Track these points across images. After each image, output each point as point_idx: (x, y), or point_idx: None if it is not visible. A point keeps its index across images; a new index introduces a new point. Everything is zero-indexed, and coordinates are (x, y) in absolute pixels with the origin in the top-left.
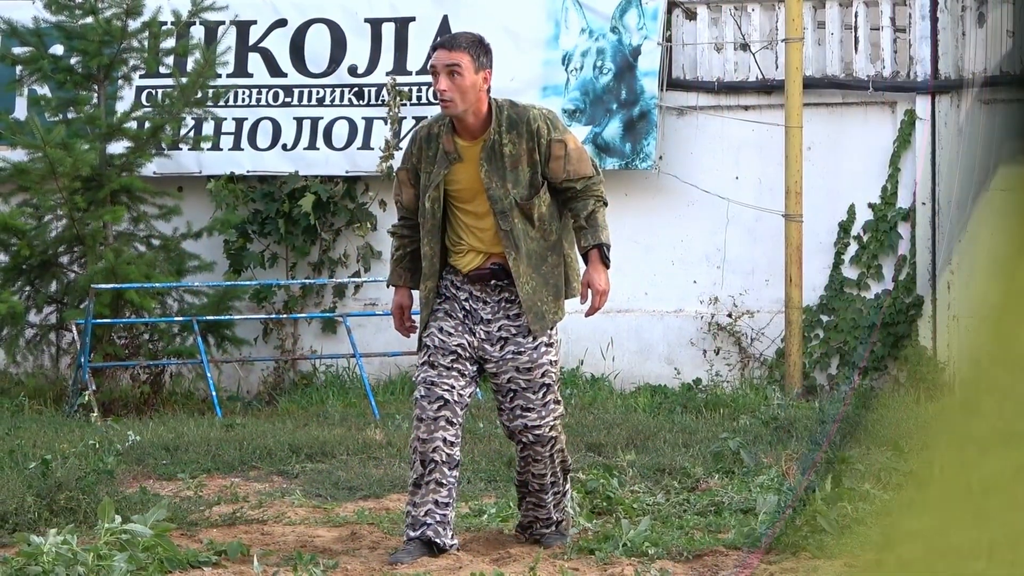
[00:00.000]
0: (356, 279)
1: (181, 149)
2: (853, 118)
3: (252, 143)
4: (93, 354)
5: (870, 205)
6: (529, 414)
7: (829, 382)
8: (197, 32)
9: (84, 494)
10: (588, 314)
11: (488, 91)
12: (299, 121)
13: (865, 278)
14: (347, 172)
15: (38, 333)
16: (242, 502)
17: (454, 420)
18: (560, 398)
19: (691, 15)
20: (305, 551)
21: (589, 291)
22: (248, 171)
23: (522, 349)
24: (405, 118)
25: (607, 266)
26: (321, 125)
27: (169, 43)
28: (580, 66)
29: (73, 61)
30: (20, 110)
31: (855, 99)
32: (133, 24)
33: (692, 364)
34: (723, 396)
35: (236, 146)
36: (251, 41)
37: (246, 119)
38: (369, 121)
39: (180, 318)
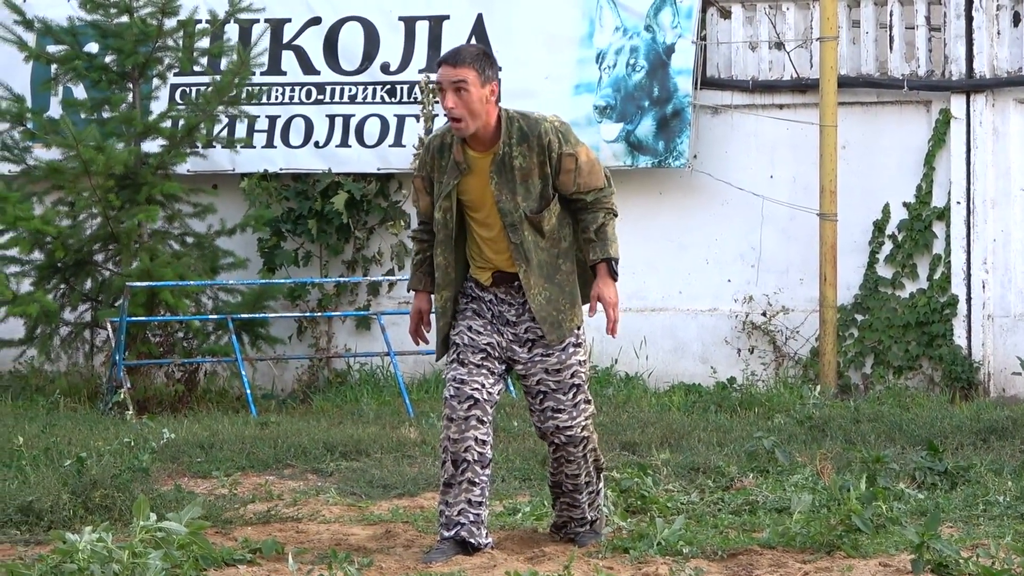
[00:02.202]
0: (390, 277)
1: (215, 147)
2: (888, 117)
3: (285, 141)
4: (128, 352)
5: (905, 204)
6: (560, 415)
7: (864, 381)
8: (231, 30)
9: (119, 492)
10: (610, 330)
11: (497, 102)
12: (331, 119)
13: (900, 277)
14: (379, 169)
15: (73, 331)
16: (277, 500)
17: (484, 419)
18: (591, 398)
19: (726, 14)
20: (340, 549)
21: (599, 304)
22: (281, 169)
23: (550, 351)
24: (437, 115)
25: (615, 279)
26: (353, 122)
27: (204, 42)
28: (613, 64)
29: (108, 60)
30: (55, 109)
31: (890, 98)
32: (168, 23)
33: (726, 363)
34: (757, 395)
35: (269, 144)
36: (285, 39)
37: (279, 117)
38: (401, 119)
39: (215, 316)
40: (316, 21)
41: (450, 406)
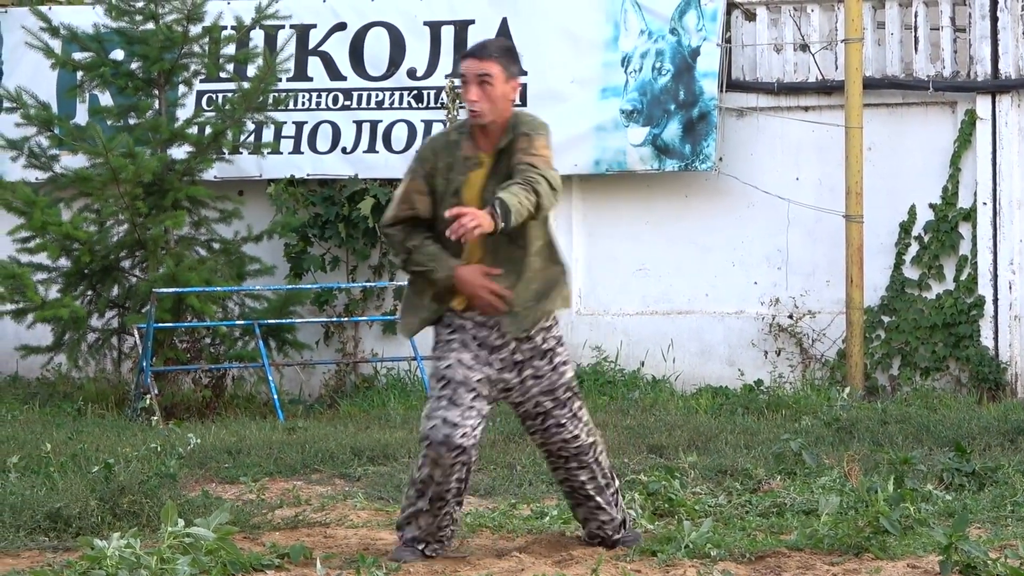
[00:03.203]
0: None
1: (242, 153)
2: (913, 118)
3: (312, 146)
4: (155, 358)
5: (931, 205)
6: (562, 431)
7: (891, 383)
8: (257, 36)
9: (147, 498)
10: (452, 231)
11: (514, 100)
12: (359, 124)
13: (926, 279)
14: None
15: (100, 337)
16: (304, 505)
17: (469, 462)
18: (582, 400)
19: (750, 16)
20: (368, 554)
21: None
22: (308, 174)
23: (540, 373)
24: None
25: (494, 219)
26: (380, 128)
27: (230, 49)
28: (639, 67)
29: (134, 66)
30: (81, 116)
31: (915, 99)
32: (194, 29)
33: (753, 365)
34: (785, 397)
35: (296, 149)
36: (311, 45)
37: (306, 122)
38: (428, 124)
39: (241, 322)
40: (342, 27)
41: (437, 451)
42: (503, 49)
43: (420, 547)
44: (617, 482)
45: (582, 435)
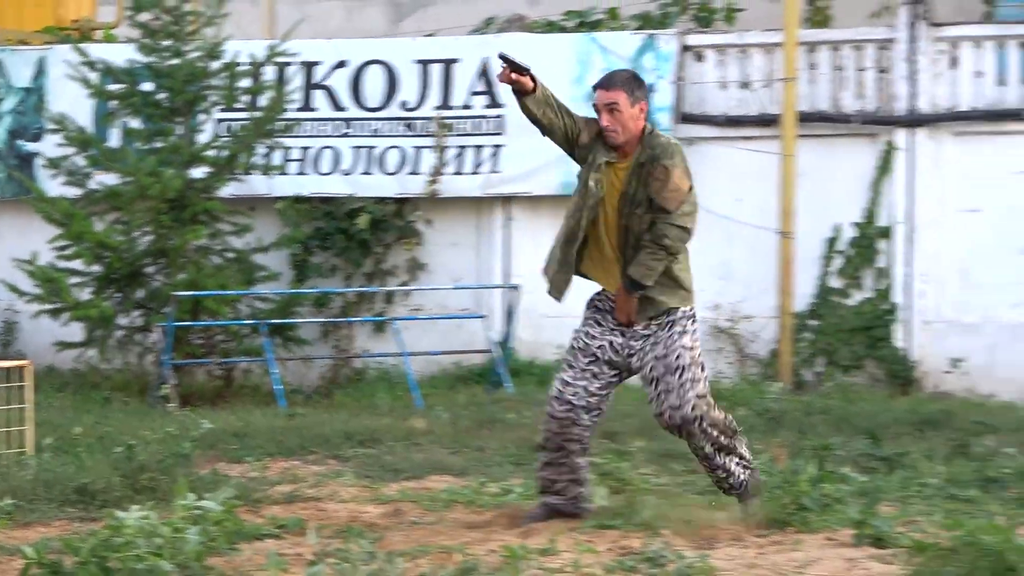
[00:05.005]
0: (404, 287)
1: (253, 174)
2: (841, 148)
3: (316, 168)
4: (174, 353)
5: (854, 224)
6: (670, 397)
7: (816, 378)
8: (269, 71)
9: (163, 475)
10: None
11: (645, 118)
12: (357, 150)
13: (849, 288)
14: (397, 194)
15: (126, 334)
16: (301, 482)
17: (579, 420)
18: (699, 378)
19: (700, 57)
20: (355, 525)
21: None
22: (312, 193)
23: (659, 340)
24: (449, 147)
25: (629, 293)
26: (376, 153)
27: (245, 82)
28: None
29: (160, 97)
30: (114, 140)
31: (843, 131)
32: (214, 65)
33: None
34: (723, 391)
35: (302, 171)
36: (316, 80)
37: (310, 148)
38: (418, 150)
39: (250, 321)
40: (343, 64)
41: (551, 405)
42: (626, 79)
43: (542, 499)
44: (740, 448)
45: (686, 408)
